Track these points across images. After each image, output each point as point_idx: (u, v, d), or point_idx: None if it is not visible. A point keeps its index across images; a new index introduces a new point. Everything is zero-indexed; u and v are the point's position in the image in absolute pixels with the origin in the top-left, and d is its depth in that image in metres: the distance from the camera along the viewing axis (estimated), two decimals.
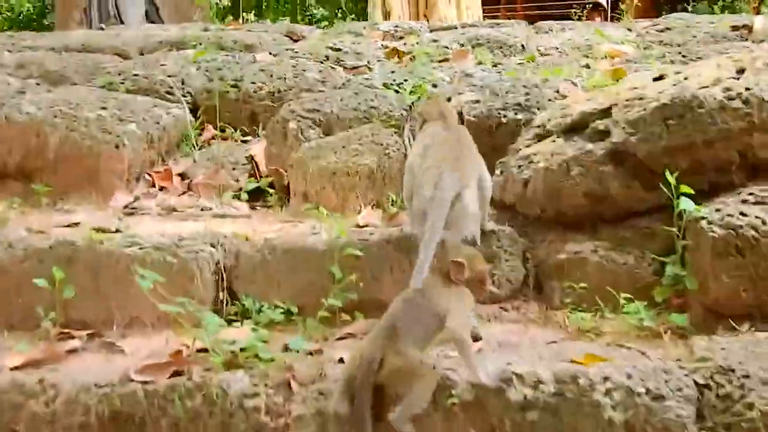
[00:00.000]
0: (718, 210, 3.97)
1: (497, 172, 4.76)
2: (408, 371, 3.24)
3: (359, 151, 5.15)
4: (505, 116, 5.18)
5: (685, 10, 11.46)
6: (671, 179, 3.99)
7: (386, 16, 14.90)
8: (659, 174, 4.13)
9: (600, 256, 4.27)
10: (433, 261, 3.55)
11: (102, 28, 9.33)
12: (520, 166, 4.66)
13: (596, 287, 4.18)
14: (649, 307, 4.05)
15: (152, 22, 12.13)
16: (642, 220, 4.36)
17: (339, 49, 7.32)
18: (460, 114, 4.51)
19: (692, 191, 3.99)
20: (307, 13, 22.39)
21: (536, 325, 4.16)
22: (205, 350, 3.67)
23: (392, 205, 5.01)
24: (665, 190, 4.05)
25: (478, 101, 5.36)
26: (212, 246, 4.33)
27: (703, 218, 3.93)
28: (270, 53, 7.39)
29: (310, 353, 3.77)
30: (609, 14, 15.16)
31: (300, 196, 5.18)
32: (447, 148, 4.04)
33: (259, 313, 4.15)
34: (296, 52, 7.28)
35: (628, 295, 4.07)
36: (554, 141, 4.64)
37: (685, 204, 3.98)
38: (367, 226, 4.66)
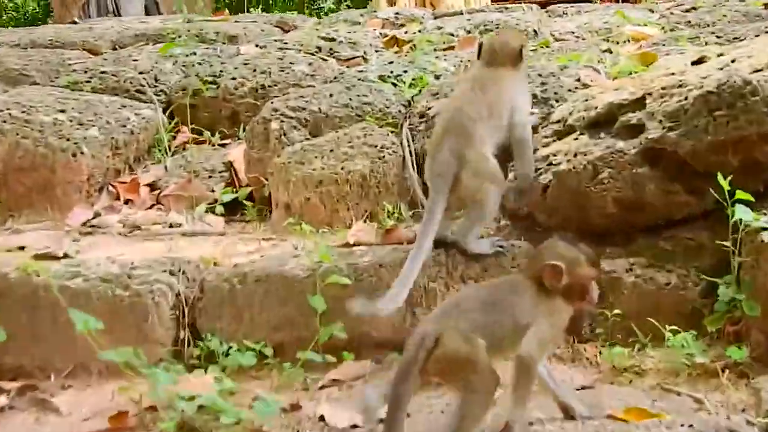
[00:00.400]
0: None
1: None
2: (468, 362, 2.67)
3: (350, 155, 4.48)
4: None
5: None
6: (724, 183, 3.29)
7: (392, 6, 14.27)
8: (705, 174, 3.59)
9: (636, 276, 3.68)
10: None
11: (75, 22, 8.62)
12: (537, 169, 4.00)
13: (633, 314, 3.57)
14: (698, 337, 3.44)
15: None
16: (685, 229, 3.75)
17: (332, 39, 6.63)
18: (521, 50, 3.94)
19: (749, 196, 3.36)
20: (315, 7, 21.94)
21: (562, 362, 3.52)
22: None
23: (389, 217, 4.31)
24: (714, 194, 3.45)
25: None
26: (172, 274, 3.70)
27: (764, 229, 3.35)
28: (257, 45, 6.68)
29: (285, 409, 3.08)
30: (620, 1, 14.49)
31: (282, 208, 4.49)
32: (455, 109, 3.78)
33: (226, 356, 3.46)
34: (285, 44, 6.60)
35: (674, 327, 3.42)
36: (577, 138, 4.00)
37: (742, 212, 3.36)
38: (358, 244, 3.96)
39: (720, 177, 3.35)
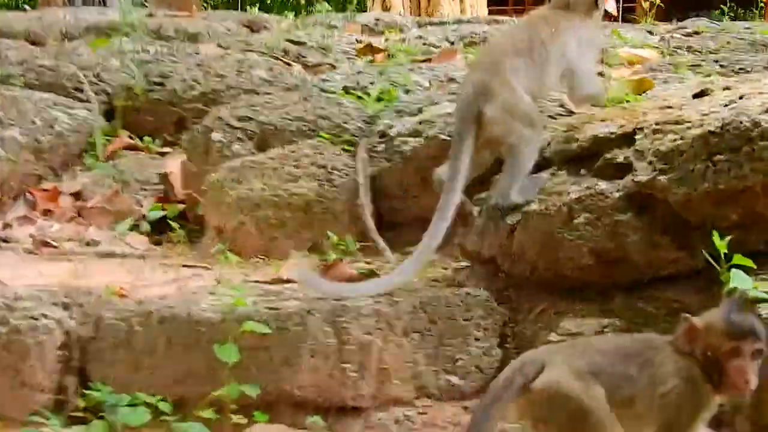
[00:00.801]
0: None
1: (474, 211, 3.57)
2: (578, 409, 2.28)
3: (294, 176, 4.03)
4: None
5: (698, 17, 10.38)
6: (721, 244, 2.85)
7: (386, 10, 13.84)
8: (697, 227, 3.17)
9: None
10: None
11: (25, 9, 8.09)
12: (504, 207, 3.52)
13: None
14: None
15: None
16: (670, 288, 3.31)
17: (302, 43, 6.19)
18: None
19: (749, 262, 2.87)
20: (311, 9, 21.78)
21: None
22: None
23: (334, 249, 3.79)
24: (706, 253, 3.00)
25: None
26: (65, 308, 3.18)
27: (763, 300, 2.88)
28: (219, 45, 6.16)
29: None
30: (619, 21, 14.09)
31: (213, 231, 4.01)
32: (489, 44, 3.82)
33: (114, 409, 2.90)
34: (250, 45, 6.10)
35: None
36: (554, 174, 3.54)
37: (739, 280, 2.86)
38: (291, 281, 3.43)
39: (716, 236, 2.84)
